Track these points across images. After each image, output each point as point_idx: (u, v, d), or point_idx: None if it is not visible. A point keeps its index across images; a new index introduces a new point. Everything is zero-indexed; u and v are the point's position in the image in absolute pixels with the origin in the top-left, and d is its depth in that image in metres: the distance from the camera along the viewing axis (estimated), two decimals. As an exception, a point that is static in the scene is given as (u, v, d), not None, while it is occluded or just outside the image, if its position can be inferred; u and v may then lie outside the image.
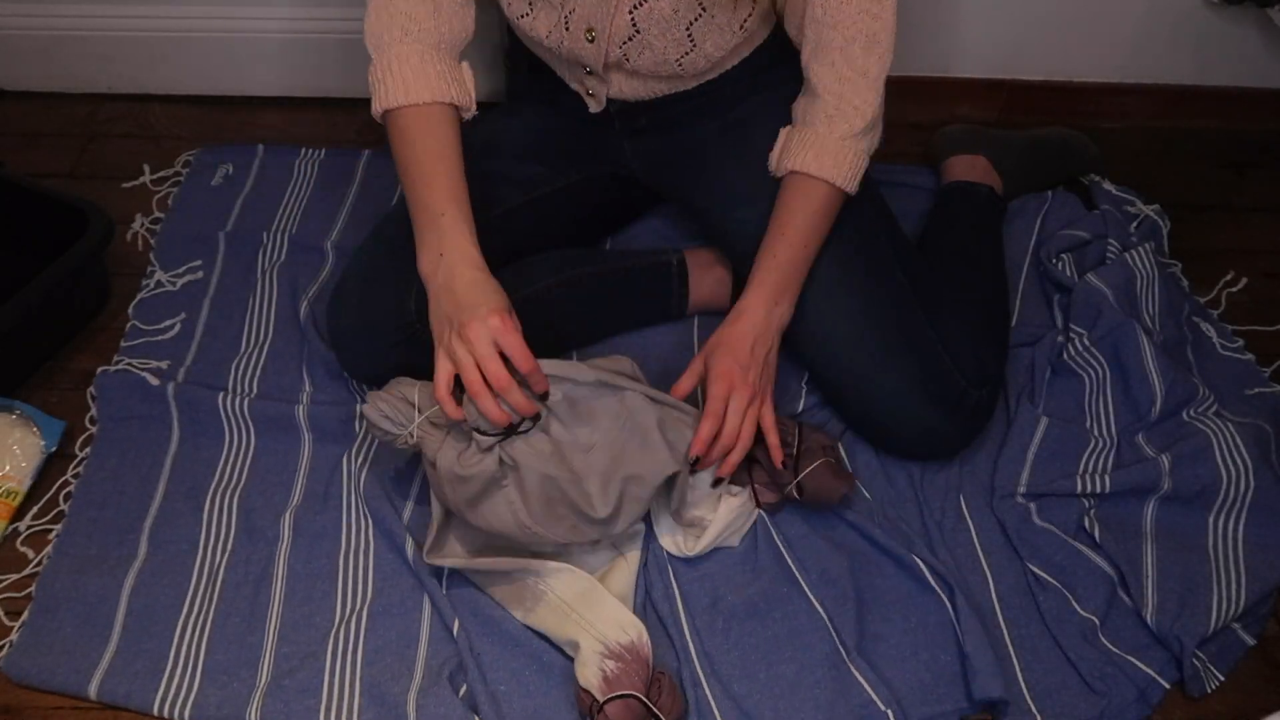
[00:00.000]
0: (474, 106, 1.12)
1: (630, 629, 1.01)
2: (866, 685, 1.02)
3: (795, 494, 1.12)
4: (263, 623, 1.07)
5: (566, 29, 1.14)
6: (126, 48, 1.61)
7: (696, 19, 1.11)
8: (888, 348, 1.14)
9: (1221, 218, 1.54)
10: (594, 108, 1.23)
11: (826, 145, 1.11)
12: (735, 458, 1.08)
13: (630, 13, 1.10)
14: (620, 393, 1.05)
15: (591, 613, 1.03)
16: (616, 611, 1.03)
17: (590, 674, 0.99)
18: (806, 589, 1.09)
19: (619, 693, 0.97)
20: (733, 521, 1.12)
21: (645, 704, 0.97)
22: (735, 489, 1.13)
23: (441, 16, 1.09)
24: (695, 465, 1.06)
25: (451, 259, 1.03)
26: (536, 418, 1.02)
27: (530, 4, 1.13)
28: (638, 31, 1.12)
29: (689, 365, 1.11)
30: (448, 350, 1.00)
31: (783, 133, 1.15)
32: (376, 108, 1.09)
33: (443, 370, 1.00)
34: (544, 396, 1.01)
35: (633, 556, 1.11)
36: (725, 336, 1.09)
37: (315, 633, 1.06)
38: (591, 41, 1.14)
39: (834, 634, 1.06)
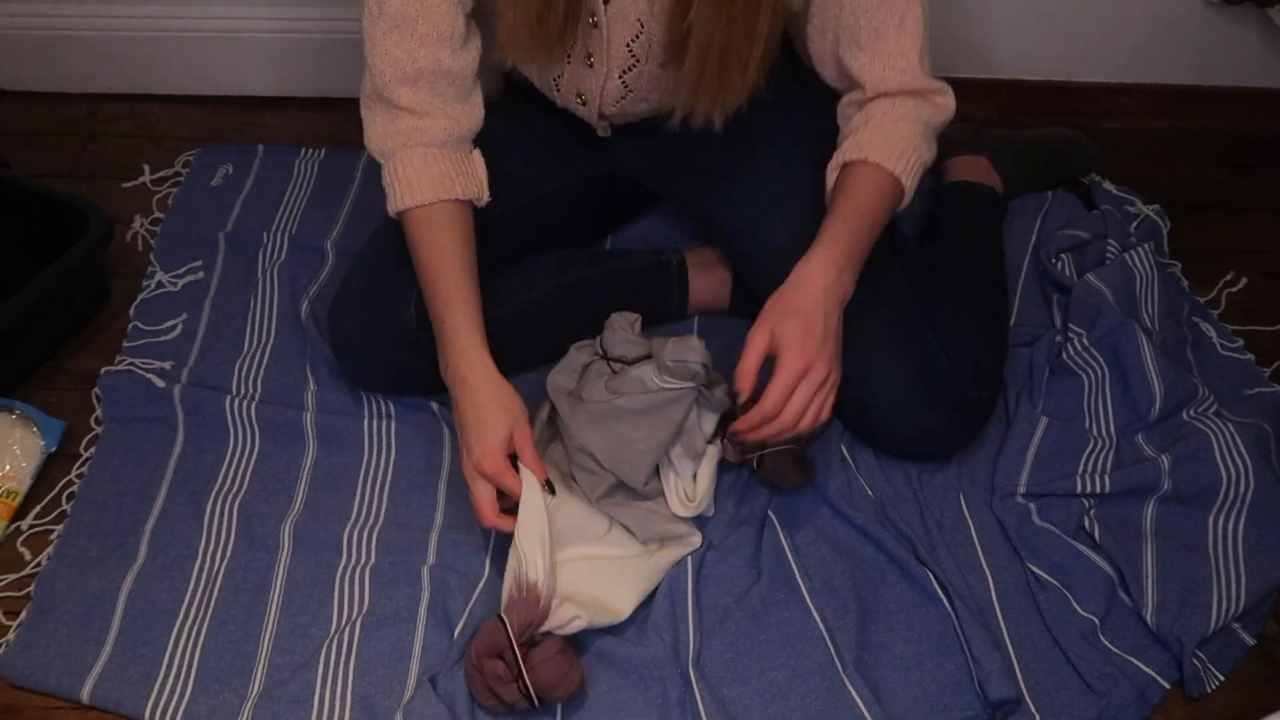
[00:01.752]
0: (486, 194, 1.12)
1: (539, 572, 0.99)
2: (860, 702, 1.02)
3: (754, 465, 1.12)
4: (258, 631, 1.07)
5: (557, 90, 1.14)
6: (126, 48, 1.61)
7: None
8: (886, 347, 1.14)
9: (1221, 218, 1.54)
10: (601, 133, 1.24)
11: (877, 132, 1.05)
12: (770, 433, 1.00)
13: (621, 78, 1.10)
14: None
15: (531, 539, 1.00)
16: (545, 553, 1.00)
17: (502, 590, 1.00)
18: (806, 596, 1.09)
19: (498, 615, 0.98)
20: (712, 478, 1.12)
21: (510, 639, 0.96)
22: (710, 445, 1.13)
23: (450, 117, 1.08)
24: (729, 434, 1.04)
25: (454, 363, 1.04)
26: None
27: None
28: (630, 91, 1.12)
29: (751, 336, 1.00)
30: (467, 478, 1.03)
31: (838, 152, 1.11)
32: (391, 210, 1.10)
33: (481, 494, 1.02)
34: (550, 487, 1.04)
35: (662, 555, 1.10)
36: (794, 302, 0.99)
37: (310, 643, 1.06)
38: (584, 104, 1.15)
39: (831, 645, 1.05)
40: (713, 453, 1.13)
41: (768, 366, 1.00)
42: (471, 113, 1.11)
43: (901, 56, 1.06)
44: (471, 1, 1.08)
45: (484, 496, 1.01)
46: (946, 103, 1.10)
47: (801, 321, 0.98)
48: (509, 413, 1.03)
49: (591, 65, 1.13)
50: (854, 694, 1.02)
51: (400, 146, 1.08)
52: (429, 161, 1.08)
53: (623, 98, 1.13)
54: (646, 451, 1.08)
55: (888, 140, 1.05)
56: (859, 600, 1.09)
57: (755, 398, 0.99)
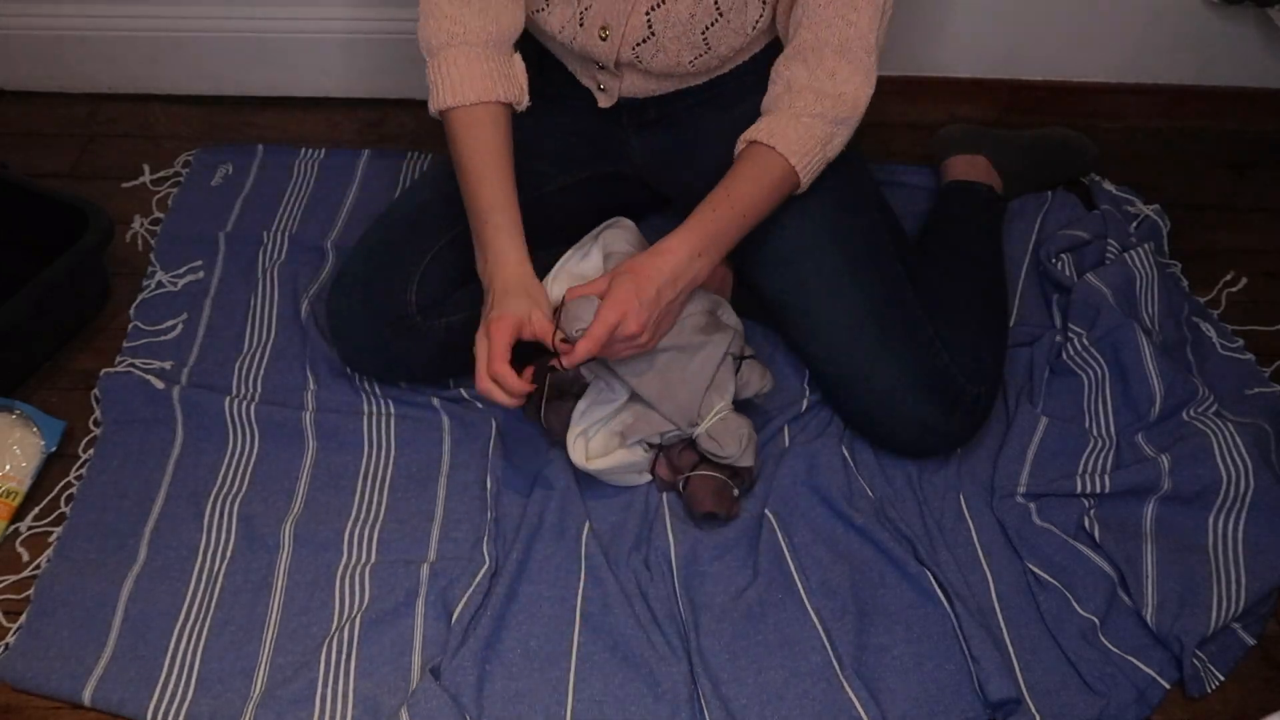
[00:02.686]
0: (525, 98, 1.14)
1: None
2: (857, 703, 1.02)
3: (680, 488, 1.15)
4: (259, 631, 1.07)
5: (580, 25, 1.14)
6: (126, 48, 1.61)
7: (712, 24, 1.11)
8: (886, 343, 1.15)
9: (1221, 218, 1.54)
10: (604, 103, 1.23)
11: (787, 120, 1.09)
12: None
13: (647, 14, 1.11)
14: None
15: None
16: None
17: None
18: (804, 597, 1.09)
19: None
20: (618, 468, 1.14)
21: None
22: (642, 448, 1.14)
23: (489, 15, 1.10)
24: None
25: (495, 264, 1.07)
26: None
27: None
28: (653, 34, 1.12)
29: (595, 281, 1.09)
30: (479, 338, 1.05)
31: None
32: (432, 108, 1.12)
33: (481, 353, 1.04)
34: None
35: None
36: (637, 266, 1.06)
37: (311, 643, 1.06)
38: (605, 40, 1.14)
39: (828, 647, 1.06)
40: (624, 455, 1.14)
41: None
42: (513, 12, 1.13)
43: (854, 11, 1.07)
44: None
45: (482, 355, 1.03)
46: (859, 95, 1.10)
47: (635, 283, 1.04)
48: (527, 306, 1.05)
49: None
50: (852, 696, 1.02)
51: (444, 45, 1.10)
52: (472, 62, 1.10)
53: (644, 40, 1.13)
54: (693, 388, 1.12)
55: (800, 134, 1.09)
56: (857, 601, 1.09)
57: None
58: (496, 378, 1.03)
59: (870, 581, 1.11)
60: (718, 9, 1.10)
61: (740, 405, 1.17)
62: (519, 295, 1.06)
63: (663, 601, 1.09)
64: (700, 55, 1.14)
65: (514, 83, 1.13)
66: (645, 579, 1.11)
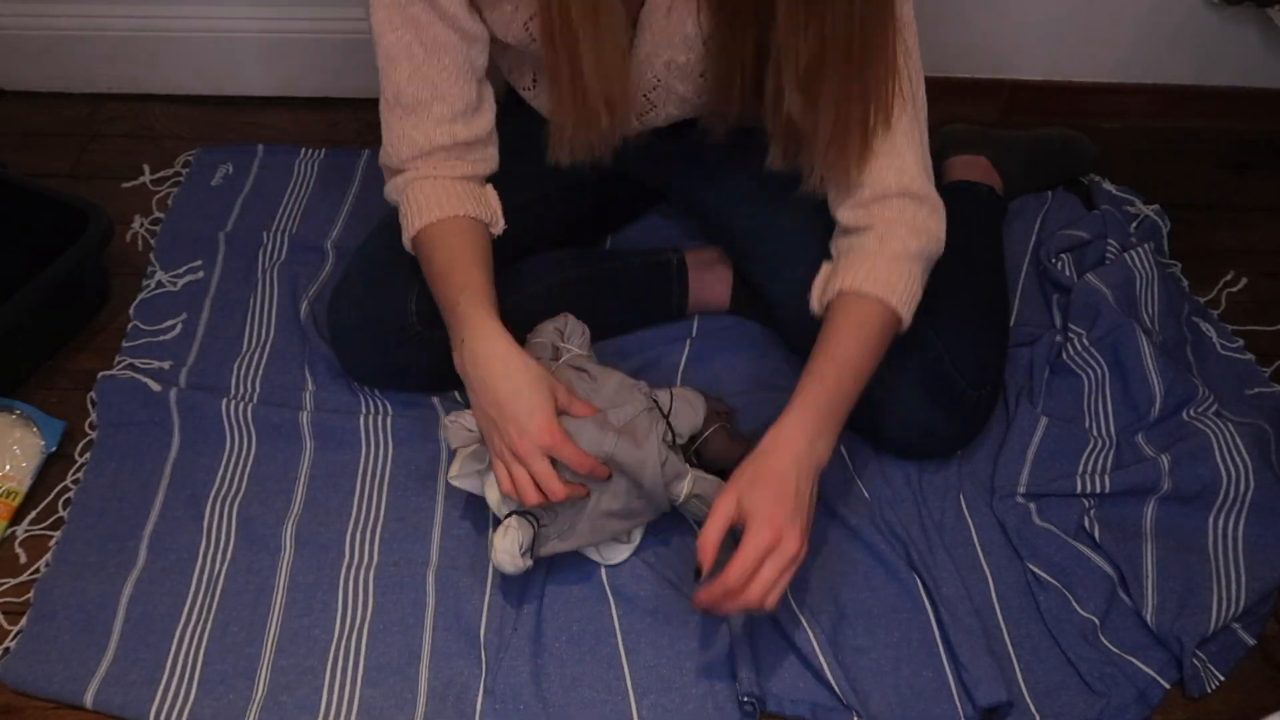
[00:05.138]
0: (500, 224, 1.11)
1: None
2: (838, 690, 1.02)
3: (694, 459, 1.10)
4: (261, 633, 1.06)
5: None
6: (126, 48, 1.61)
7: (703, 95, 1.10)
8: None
9: (1221, 218, 1.54)
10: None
11: (878, 262, 1.00)
12: (731, 607, 0.93)
13: (638, 119, 1.10)
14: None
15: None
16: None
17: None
18: (789, 595, 1.08)
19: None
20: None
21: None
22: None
23: (464, 164, 1.08)
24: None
25: (473, 343, 0.99)
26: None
27: (534, 79, 1.13)
28: (654, 105, 1.12)
29: (715, 505, 0.94)
30: (505, 463, 0.97)
31: (824, 267, 1.07)
32: (405, 239, 1.09)
33: (504, 479, 0.98)
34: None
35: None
36: (764, 469, 0.93)
37: (314, 646, 1.06)
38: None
39: (813, 643, 1.05)
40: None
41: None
42: (487, 159, 1.11)
43: (898, 157, 1.01)
44: (482, 69, 1.07)
45: (546, 472, 0.95)
46: (939, 228, 1.04)
47: (771, 491, 0.92)
48: (546, 381, 0.98)
49: None
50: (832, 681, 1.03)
51: (414, 179, 1.08)
52: (440, 187, 1.07)
53: (644, 114, 1.13)
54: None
55: (888, 274, 1.00)
56: (838, 602, 1.09)
57: (716, 570, 0.92)
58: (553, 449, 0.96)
59: (855, 583, 1.11)
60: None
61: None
62: (536, 387, 0.96)
63: (687, 566, 1.09)
64: (701, 113, 1.13)
65: (487, 206, 1.09)
66: (663, 547, 1.12)
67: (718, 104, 1.06)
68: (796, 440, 0.95)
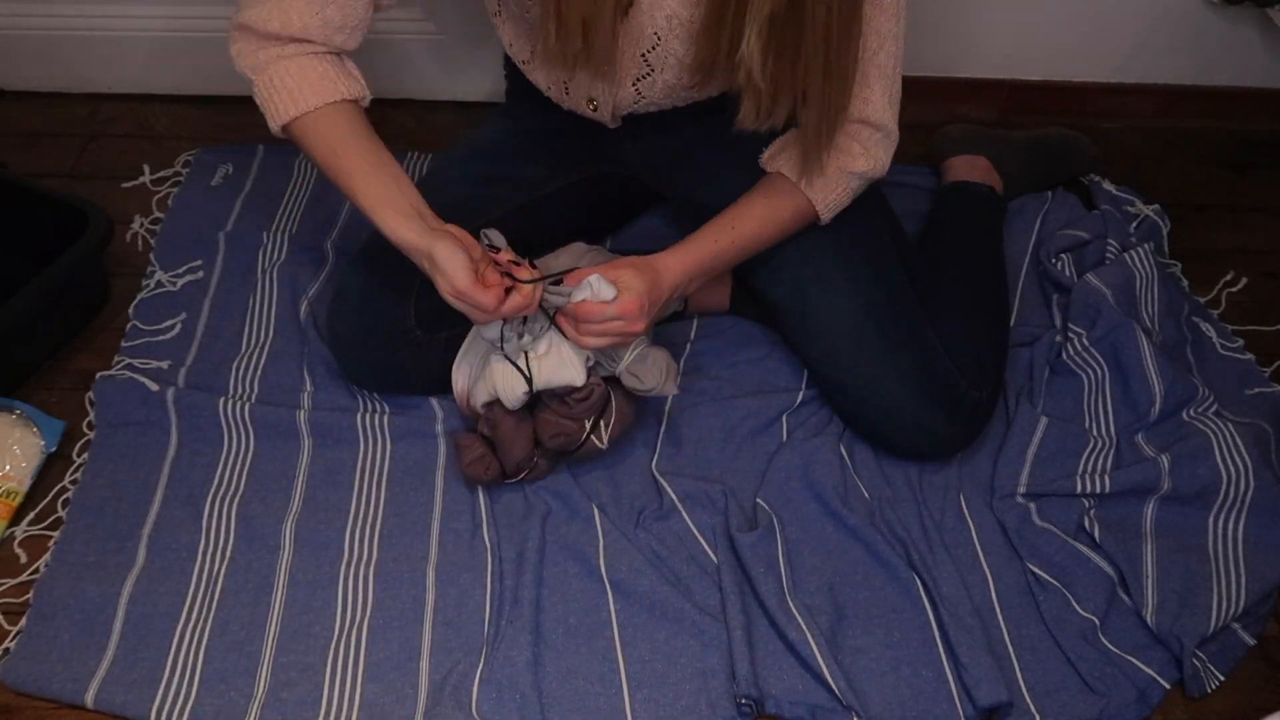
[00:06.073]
0: (368, 93, 1.07)
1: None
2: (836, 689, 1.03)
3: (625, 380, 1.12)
4: (262, 631, 1.07)
5: (566, 93, 1.13)
6: (126, 48, 1.61)
7: (701, 80, 1.10)
8: (888, 347, 1.15)
9: (1221, 218, 1.54)
10: (600, 119, 1.23)
11: (827, 169, 1.09)
12: (566, 326, 1.06)
13: (634, 85, 1.10)
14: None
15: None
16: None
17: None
18: (787, 594, 1.08)
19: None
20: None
21: None
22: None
23: (327, 30, 1.04)
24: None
25: (380, 215, 1.00)
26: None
27: (532, 53, 1.13)
28: (642, 96, 1.12)
29: (606, 265, 1.07)
30: (452, 301, 1.00)
31: (784, 136, 1.13)
32: (273, 126, 1.05)
33: (467, 312, 1.00)
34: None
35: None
36: (651, 272, 1.07)
37: (314, 643, 1.06)
38: (594, 110, 1.14)
39: (811, 644, 1.05)
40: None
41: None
42: (350, 51, 1.07)
43: (866, 88, 1.06)
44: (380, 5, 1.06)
45: (482, 301, 0.98)
46: (883, 158, 1.10)
47: (648, 285, 1.05)
48: (461, 245, 0.99)
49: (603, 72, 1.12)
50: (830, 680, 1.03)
51: (274, 59, 1.03)
52: (306, 67, 1.02)
53: (634, 103, 1.13)
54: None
55: (824, 180, 1.09)
56: (837, 603, 1.09)
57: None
58: (464, 298, 0.98)
59: (854, 583, 1.11)
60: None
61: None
62: (448, 257, 0.98)
63: (686, 563, 1.11)
64: (694, 99, 1.13)
65: (355, 81, 1.06)
66: (661, 546, 1.13)
67: (706, 59, 1.06)
68: (677, 274, 1.09)
